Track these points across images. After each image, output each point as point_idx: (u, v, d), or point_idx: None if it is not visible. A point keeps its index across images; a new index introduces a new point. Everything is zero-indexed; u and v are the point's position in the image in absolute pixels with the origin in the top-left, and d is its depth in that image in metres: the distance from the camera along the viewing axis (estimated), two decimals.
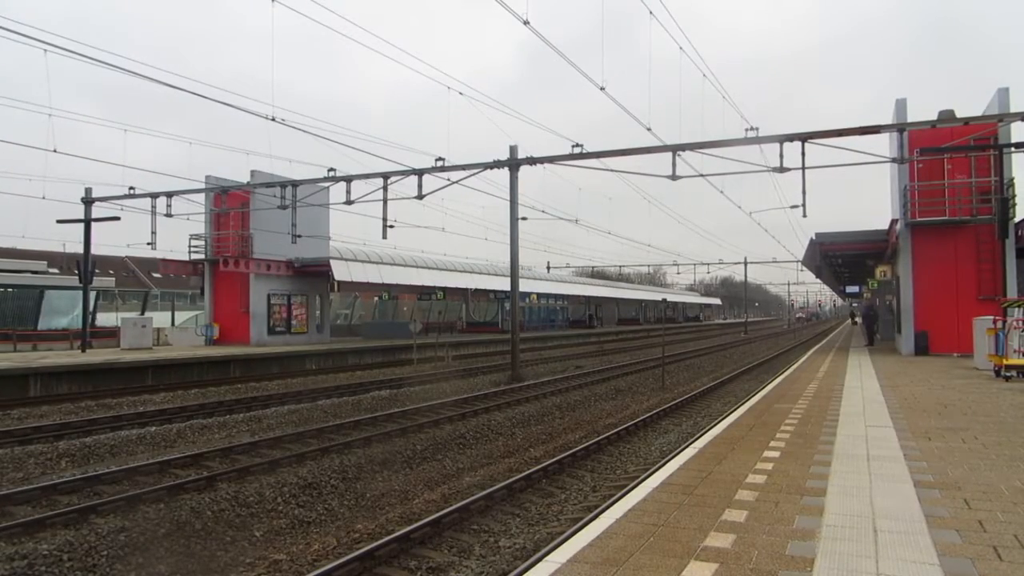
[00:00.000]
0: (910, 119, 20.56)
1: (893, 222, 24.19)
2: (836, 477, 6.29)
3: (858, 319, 58.08)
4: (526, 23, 14.96)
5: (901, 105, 21.72)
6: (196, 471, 10.55)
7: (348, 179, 22.80)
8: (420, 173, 22.02)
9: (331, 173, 23.00)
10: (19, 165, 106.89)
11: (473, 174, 22.54)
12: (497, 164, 22.62)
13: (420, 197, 22.08)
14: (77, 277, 29.28)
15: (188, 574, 7.40)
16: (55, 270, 37.68)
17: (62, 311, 33.79)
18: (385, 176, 22.54)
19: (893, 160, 19.48)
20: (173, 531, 8.24)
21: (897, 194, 23.05)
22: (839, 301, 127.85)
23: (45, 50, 14.72)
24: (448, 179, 22.49)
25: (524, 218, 26.63)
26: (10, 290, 32.55)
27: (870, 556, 4.26)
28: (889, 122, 19.97)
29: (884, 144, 23.59)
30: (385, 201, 22.65)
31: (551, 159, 21.97)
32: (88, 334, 28.48)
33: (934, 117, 19.65)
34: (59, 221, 28.53)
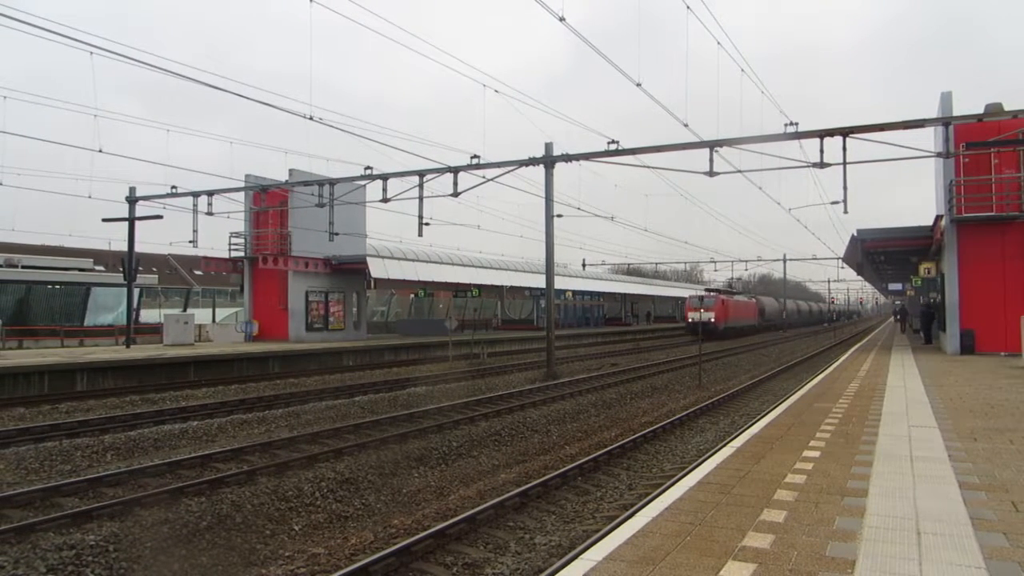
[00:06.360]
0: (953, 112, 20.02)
1: (938, 218, 23.61)
2: (878, 478, 6.17)
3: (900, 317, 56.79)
4: (562, 19, 14.87)
5: (946, 98, 21.17)
6: (236, 465, 10.74)
7: (384, 177, 22.96)
8: (455, 171, 22.08)
9: (368, 171, 23.20)
10: (66, 165, 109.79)
11: (508, 171, 22.57)
12: (532, 161, 22.59)
13: (455, 195, 22.15)
14: (122, 274, 30.00)
15: (229, 566, 7.54)
16: (101, 268, 38.60)
17: (108, 308, 34.70)
18: (421, 174, 22.64)
19: (938, 155, 19.00)
20: (215, 524, 8.40)
21: (942, 190, 22.50)
22: (881, 299, 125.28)
23: (91, 52, 15.02)
24: (483, 176, 22.53)
25: (559, 215, 26.52)
26: (58, 287, 33.48)
27: (913, 559, 4.17)
28: (933, 116, 19.48)
29: (927, 139, 23.05)
30: (421, 199, 22.76)
31: (586, 156, 21.85)
32: (132, 330, 29.16)
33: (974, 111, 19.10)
34: (104, 220, 29.23)
